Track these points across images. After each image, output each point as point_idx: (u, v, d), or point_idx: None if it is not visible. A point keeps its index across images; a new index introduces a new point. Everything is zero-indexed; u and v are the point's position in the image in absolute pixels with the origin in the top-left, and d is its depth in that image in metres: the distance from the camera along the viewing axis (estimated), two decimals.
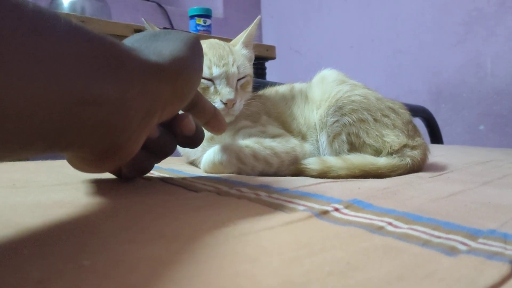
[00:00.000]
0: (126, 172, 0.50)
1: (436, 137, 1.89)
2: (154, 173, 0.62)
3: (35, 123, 0.26)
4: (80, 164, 0.40)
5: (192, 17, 1.98)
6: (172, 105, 0.41)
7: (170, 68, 0.38)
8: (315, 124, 0.82)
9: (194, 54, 0.43)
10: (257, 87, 0.87)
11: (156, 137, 0.46)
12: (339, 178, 0.68)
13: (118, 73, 0.32)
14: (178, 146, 0.82)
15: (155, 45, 0.40)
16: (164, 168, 0.68)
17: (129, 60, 0.34)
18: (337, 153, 0.77)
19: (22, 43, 0.24)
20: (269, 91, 0.90)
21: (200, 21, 1.96)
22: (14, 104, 0.24)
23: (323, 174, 0.69)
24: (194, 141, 0.53)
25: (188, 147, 0.57)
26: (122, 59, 0.33)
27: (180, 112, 0.51)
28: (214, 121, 0.55)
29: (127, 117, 0.34)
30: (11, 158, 0.28)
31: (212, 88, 0.73)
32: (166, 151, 0.51)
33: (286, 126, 0.82)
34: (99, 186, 0.50)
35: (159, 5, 2.44)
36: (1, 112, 0.24)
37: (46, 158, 0.70)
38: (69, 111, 0.28)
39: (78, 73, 0.29)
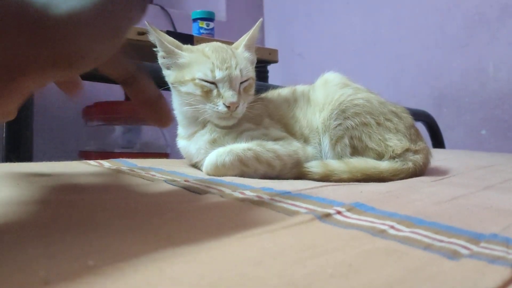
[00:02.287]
0: None
1: (438, 141, 1.89)
2: (156, 175, 0.62)
3: None
4: None
5: (195, 20, 1.99)
6: (58, 69, 0.33)
7: (57, 23, 0.31)
8: (317, 127, 0.82)
9: (106, 11, 0.34)
10: (259, 90, 0.87)
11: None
12: (341, 182, 0.68)
13: None
14: (180, 148, 0.83)
15: None
16: (167, 170, 0.68)
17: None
18: (339, 157, 0.78)
19: None
20: (271, 93, 0.90)
21: (203, 24, 1.97)
22: None
23: (326, 178, 0.70)
24: None
25: None
26: None
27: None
28: (151, 110, 0.46)
29: None
30: None
31: (215, 91, 0.73)
32: None
33: (289, 129, 0.82)
34: (105, 187, 0.50)
35: (162, 8, 2.45)
36: None
37: (50, 160, 0.70)
38: None
39: None
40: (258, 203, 0.46)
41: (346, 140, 0.77)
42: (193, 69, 0.74)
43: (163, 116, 0.47)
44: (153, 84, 0.47)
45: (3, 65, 0.29)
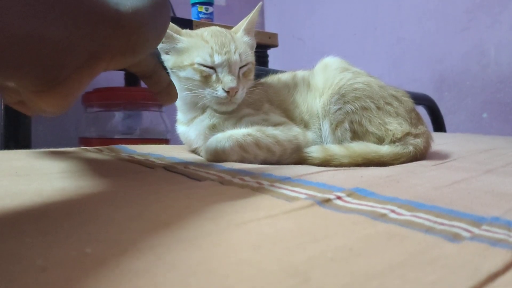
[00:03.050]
0: None
1: (439, 125, 1.89)
2: (156, 161, 0.62)
3: None
4: (26, 92, 0.40)
5: (194, 4, 1.97)
6: (123, 56, 0.41)
7: (128, 18, 0.38)
8: (317, 112, 0.82)
9: (157, 11, 0.43)
10: (259, 75, 0.86)
11: None
12: (341, 166, 0.68)
13: (65, 15, 0.33)
14: (180, 134, 0.82)
15: None
16: (166, 156, 0.68)
17: (81, 2, 0.34)
18: (339, 141, 0.77)
19: None
20: (271, 78, 0.89)
21: (202, 8, 1.95)
22: None
23: (326, 163, 0.69)
24: None
25: None
26: (72, 1, 0.34)
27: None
28: (165, 94, 0.55)
29: (69, 56, 0.34)
30: None
31: (214, 76, 0.72)
32: None
33: (289, 114, 0.82)
34: (102, 175, 0.50)
35: None
36: None
37: (49, 147, 0.70)
38: (16, 47, 0.30)
39: (26, 14, 0.30)
40: (258, 189, 0.46)
41: (346, 125, 0.77)
42: (192, 54, 0.73)
43: (171, 99, 0.56)
44: (164, 73, 0.54)
45: (90, 51, 0.36)
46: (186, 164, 0.61)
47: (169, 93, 0.55)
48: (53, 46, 0.33)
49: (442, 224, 0.36)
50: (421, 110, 1.64)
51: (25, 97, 0.41)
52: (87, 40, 0.35)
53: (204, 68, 0.72)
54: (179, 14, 2.22)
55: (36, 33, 0.31)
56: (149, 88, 0.54)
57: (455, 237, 0.32)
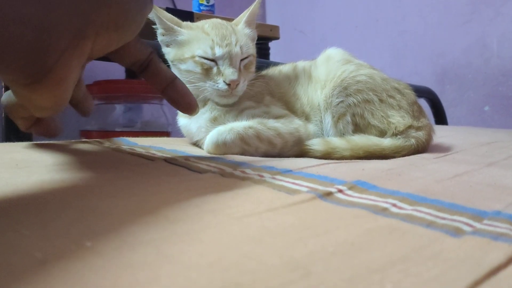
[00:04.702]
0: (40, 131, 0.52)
1: (441, 118, 1.88)
2: (157, 153, 0.62)
3: None
4: (18, 88, 0.39)
5: None
6: (107, 32, 0.39)
7: None
8: (319, 105, 0.81)
9: None
10: (260, 67, 0.86)
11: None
12: (343, 159, 0.68)
13: None
14: (181, 126, 0.82)
15: None
16: (167, 149, 0.68)
17: None
18: (341, 134, 0.77)
19: None
20: (272, 71, 0.89)
21: (203, 0, 1.94)
22: None
23: (327, 155, 0.69)
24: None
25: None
26: None
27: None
28: (172, 90, 0.52)
29: (52, 36, 0.33)
30: None
31: (215, 69, 0.72)
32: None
33: (290, 106, 0.81)
34: (103, 167, 0.50)
35: None
36: None
37: (50, 139, 0.70)
38: None
39: None
40: (259, 181, 0.45)
41: (348, 118, 0.76)
42: (193, 47, 0.73)
43: (183, 97, 0.53)
44: (164, 65, 0.52)
45: (70, 28, 0.34)
46: (187, 156, 0.61)
47: (177, 89, 0.52)
48: (33, 28, 0.32)
49: (444, 218, 0.35)
50: (423, 103, 1.64)
51: (19, 97, 0.41)
52: (68, 17, 0.34)
53: (205, 61, 0.72)
54: (180, 6, 2.22)
55: (11, 14, 0.30)
56: (152, 86, 0.52)
57: (456, 232, 0.32)
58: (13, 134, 0.93)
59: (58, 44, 0.34)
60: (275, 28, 1.98)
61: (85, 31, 0.36)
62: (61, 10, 0.33)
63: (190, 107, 0.54)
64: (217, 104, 0.75)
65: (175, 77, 0.53)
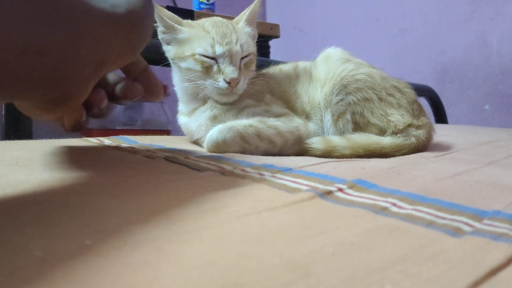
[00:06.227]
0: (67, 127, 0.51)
1: (441, 116, 1.88)
2: (157, 152, 0.62)
3: None
4: (31, 108, 0.40)
5: None
6: (124, 57, 0.41)
7: (126, 19, 0.38)
8: (319, 103, 0.81)
9: (147, 10, 0.43)
10: (260, 66, 0.86)
11: (104, 106, 0.48)
12: (343, 158, 0.68)
13: (67, 22, 0.32)
14: (181, 125, 0.82)
15: None
16: (168, 147, 0.68)
17: (81, 9, 0.34)
18: (341, 133, 0.77)
19: None
20: (273, 69, 0.89)
21: None
22: None
23: (327, 154, 0.69)
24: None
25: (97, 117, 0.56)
26: (73, 8, 0.33)
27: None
28: (144, 77, 0.52)
29: (78, 66, 0.34)
30: None
31: (215, 67, 0.72)
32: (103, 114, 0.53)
33: (290, 105, 0.81)
34: (103, 165, 0.50)
35: None
36: None
37: (50, 137, 0.69)
38: (15, 60, 0.29)
39: (21, 22, 0.29)
40: (259, 180, 0.45)
41: (348, 116, 0.76)
42: (193, 45, 0.72)
43: (160, 93, 0.54)
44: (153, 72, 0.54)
45: (95, 59, 0.35)
46: (187, 154, 0.61)
47: (149, 78, 0.52)
48: (57, 57, 0.32)
49: (444, 218, 0.35)
50: (423, 102, 1.64)
51: (24, 111, 0.41)
52: (94, 47, 0.35)
53: (205, 59, 0.72)
54: (181, 4, 2.21)
55: (36, 43, 0.30)
56: (126, 74, 0.52)
57: (456, 232, 0.32)
58: (13, 132, 0.93)
59: (82, 74, 0.35)
60: (275, 27, 1.97)
61: (106, 60, 0.37)
62: (88, 39, 0.34)
63: (159, 95, 0.55)
64: (217, 102, 0.75)
65: (147, 65, 0.54)
